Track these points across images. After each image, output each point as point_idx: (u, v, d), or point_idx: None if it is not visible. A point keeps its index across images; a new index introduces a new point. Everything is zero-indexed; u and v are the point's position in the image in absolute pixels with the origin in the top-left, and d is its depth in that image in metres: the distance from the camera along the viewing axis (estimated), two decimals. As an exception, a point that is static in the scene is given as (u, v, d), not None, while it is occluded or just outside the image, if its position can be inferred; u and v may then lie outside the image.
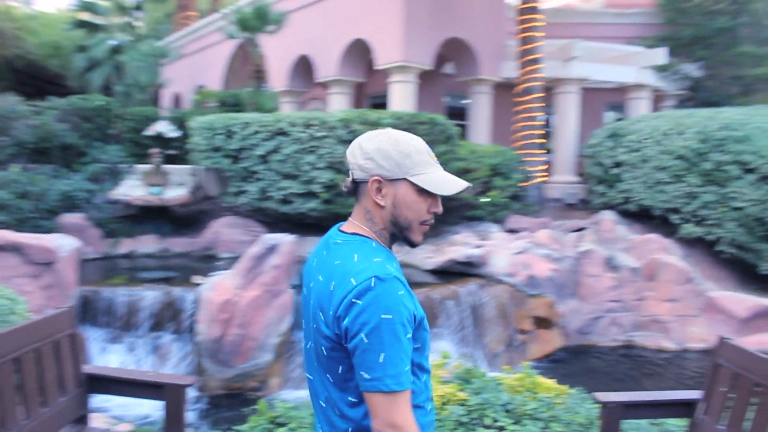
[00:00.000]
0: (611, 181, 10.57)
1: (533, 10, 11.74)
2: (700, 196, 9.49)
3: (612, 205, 10.58)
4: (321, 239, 1.80)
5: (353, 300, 1.52)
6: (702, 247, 9.86)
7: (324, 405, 1.70)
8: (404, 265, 8.83)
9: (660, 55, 13.30)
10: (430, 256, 9.00)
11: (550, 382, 4.62)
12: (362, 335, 1.50)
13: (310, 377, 1.74)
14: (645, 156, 10.10)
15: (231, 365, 6.72)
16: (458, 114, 14.50)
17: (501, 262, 8.68)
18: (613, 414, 2.88)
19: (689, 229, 9.68)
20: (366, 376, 1.52)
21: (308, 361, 1.75)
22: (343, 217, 8.63)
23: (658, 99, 14.43)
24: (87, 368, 3.24)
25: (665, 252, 9.32)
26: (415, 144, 1.68)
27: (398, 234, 1.71)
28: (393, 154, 1.64)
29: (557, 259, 9.07)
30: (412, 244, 1.74)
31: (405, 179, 1.65)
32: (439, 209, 1.71)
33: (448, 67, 14.36)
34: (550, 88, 12.86)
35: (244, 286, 6.98)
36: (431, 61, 12.22)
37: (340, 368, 1.62)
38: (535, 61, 11.77)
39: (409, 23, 11.59)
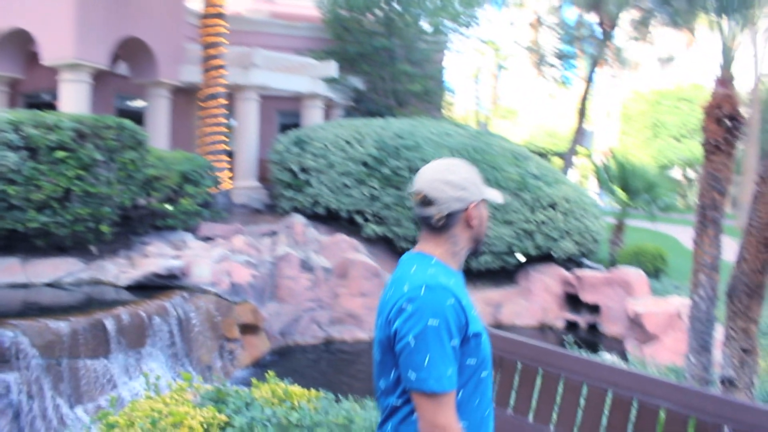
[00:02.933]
0: (299, 185, 10.96)
1: (218, 16, 11.63)
2: (381, 198, 10.38)
3: (301, 208, 10.98)
4: None
5: (403, 305, 1.66)
6: (383, 243, 10.79)
7: (381, 412, 1.83)
8: (96, 283, 8.06)
9: (330, 68, 14.20)
10: (124, 270, 8.33)
11: (301, 389, 4.65)
12: (410, 338, 1.63)
13: (375, 386, 1.86)
14: (331, 162, 10.70)
15: None
16: (131, 118, 13.61)
17: (203, 272, 8.42)
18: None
19: (373, 228, 10.51)
20: (412, 376, 1.63)
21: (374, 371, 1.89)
22: (17, 234, 7.45)
23: (329, 108, 15.37)
24: None
25: (354, 251, 9.98)
26: (475, 169, 1.89)
27: (476, 247, 1.88)
28: (476, 180, 1.84)
29: (256, 264, 9.13)
30: (479, 254, 2.00)
31: (483, 199, 1.86)
32: None
33: (122, 67, 13.45)
34: (231, 95, 12.85)
35: None
36: (107, 61, 11.29)
37: (392, 374, 1.73)
38: (219, 67, 11.67)
39: (82, 17, 10.54)
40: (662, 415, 2.65)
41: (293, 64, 14.03)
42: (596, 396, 2.89)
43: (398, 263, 1.88)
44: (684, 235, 18.33)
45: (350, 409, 4.38)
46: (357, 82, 15.30)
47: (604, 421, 2.88)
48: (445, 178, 1.79)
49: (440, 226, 1.80)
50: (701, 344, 4.25)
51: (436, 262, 1.78)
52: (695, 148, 29.42)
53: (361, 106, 15.44)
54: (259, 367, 8.04)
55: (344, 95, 15.24)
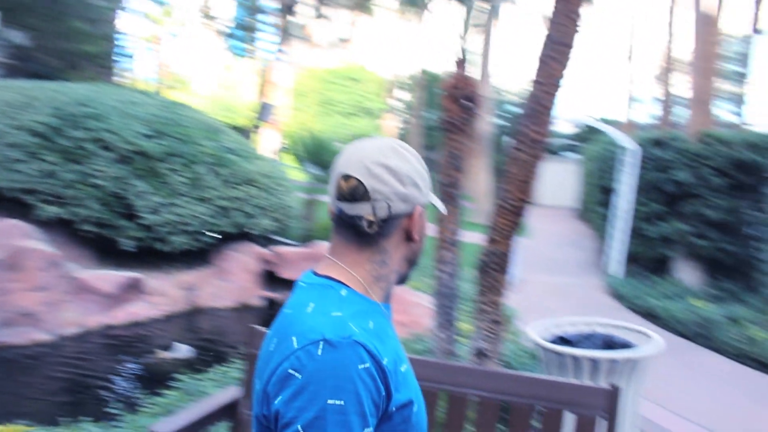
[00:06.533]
0: (-50, 159, 8.99)
1: None
2: (60, 174, 9.00)
3: (-47, 187, 9.02)
4: None
5: (290, 371, 1.08)
6: (62, 227, 9.40)
7: None
8: None
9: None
10: None
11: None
12: (299, 427, 1.04)
13: None
14: (-6, 131, 8.96)
15: None
16: None
17: None
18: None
19: (50, 210, 9.08)
20: None
21: None
22: None
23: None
24: None
25: (27, 238, 8.52)
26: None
27: (406, 273, 1.36)
28: (425, 175, 1.30)
29: None
30: (405, 282, 1.39)
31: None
32: None
33: None
34: None
35: None
36: None
37: None
38: None
39: None
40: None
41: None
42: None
43: (294, 288, 1.31)
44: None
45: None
46: (20, 37, 13.13)
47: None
48: (389, 164, 1.24)
49: (371, 234, 1.25)
50: (447, 319, 4.36)
51: (348, 294, 1.22)
52: (362, 126, 31.52)
53: (27, 66, 13.31)
54: None
55: (4, 52, 12.98)
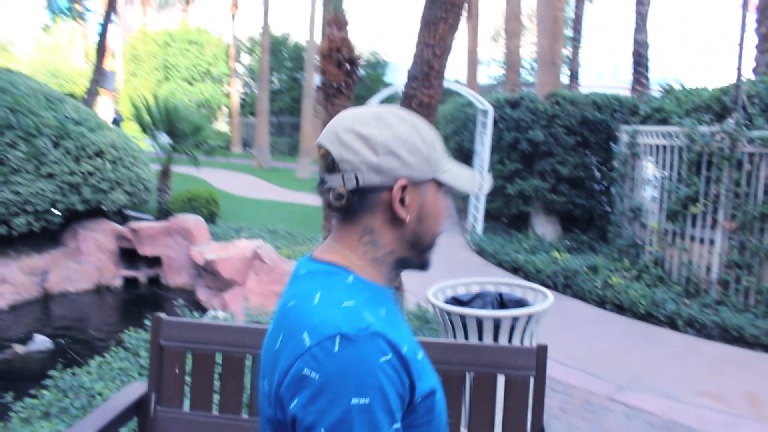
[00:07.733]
0: None
1: None
2: None
3: None
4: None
5: (305, 372, 0.97)
6: None
7: None
8: None
9: None
10: None
11: None
12: (321, 431, 0.94)
13: None
14: None
15: None
16: None
17: None
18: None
19: None
20: None
21: None
22: None
23: None
24: None
25: None
26: (430, 128, 1.17)
27: (413, 258, 1.18)
28: (419, 145, 1.13)
29: None
30: (426, 268, 1.21)
31: (433, 180, 1.15)
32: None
33: None
34: None
35: None
36: None
37: None
38: None
39: None
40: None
41: None
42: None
43: (291, 277, 1.17)
44: (211, 176, 18.76)
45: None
46: None
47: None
48: (362, 131, 1.10)
49: (341, 209, 1.13)
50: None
51: (354, 280, 1.10)
52: (206, 91, 30.24)
53: None
54: None
55: None
